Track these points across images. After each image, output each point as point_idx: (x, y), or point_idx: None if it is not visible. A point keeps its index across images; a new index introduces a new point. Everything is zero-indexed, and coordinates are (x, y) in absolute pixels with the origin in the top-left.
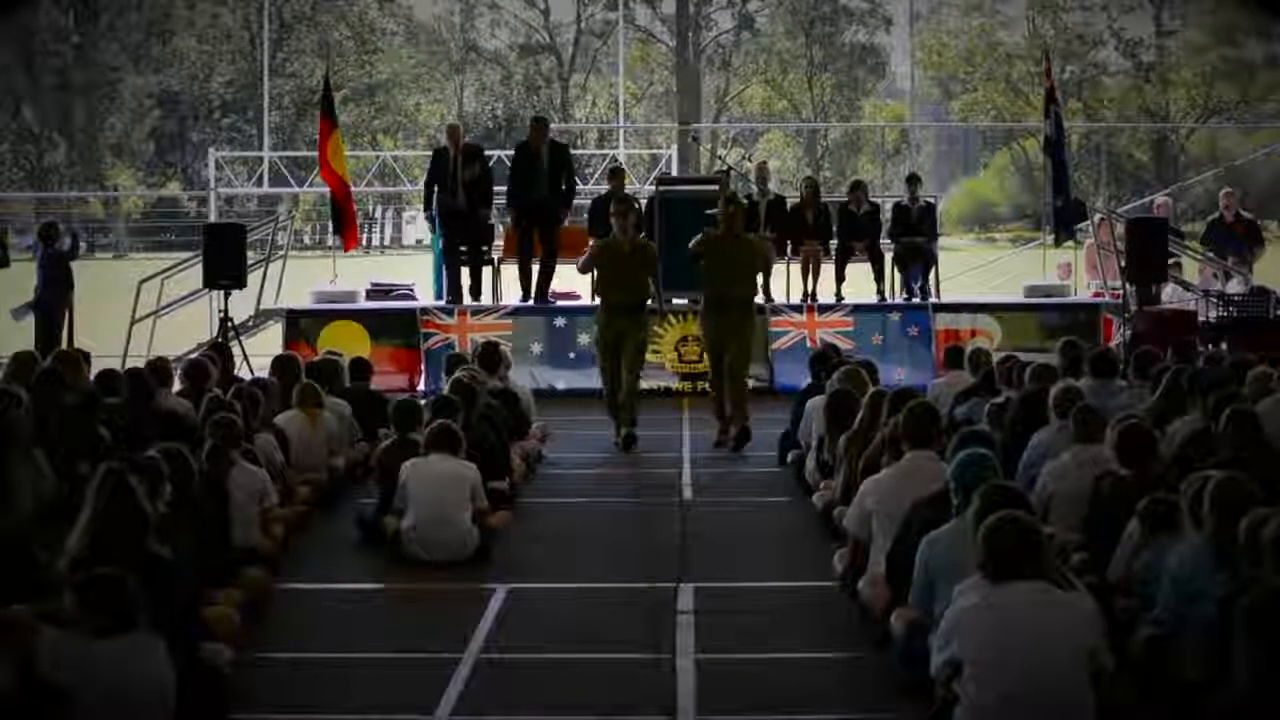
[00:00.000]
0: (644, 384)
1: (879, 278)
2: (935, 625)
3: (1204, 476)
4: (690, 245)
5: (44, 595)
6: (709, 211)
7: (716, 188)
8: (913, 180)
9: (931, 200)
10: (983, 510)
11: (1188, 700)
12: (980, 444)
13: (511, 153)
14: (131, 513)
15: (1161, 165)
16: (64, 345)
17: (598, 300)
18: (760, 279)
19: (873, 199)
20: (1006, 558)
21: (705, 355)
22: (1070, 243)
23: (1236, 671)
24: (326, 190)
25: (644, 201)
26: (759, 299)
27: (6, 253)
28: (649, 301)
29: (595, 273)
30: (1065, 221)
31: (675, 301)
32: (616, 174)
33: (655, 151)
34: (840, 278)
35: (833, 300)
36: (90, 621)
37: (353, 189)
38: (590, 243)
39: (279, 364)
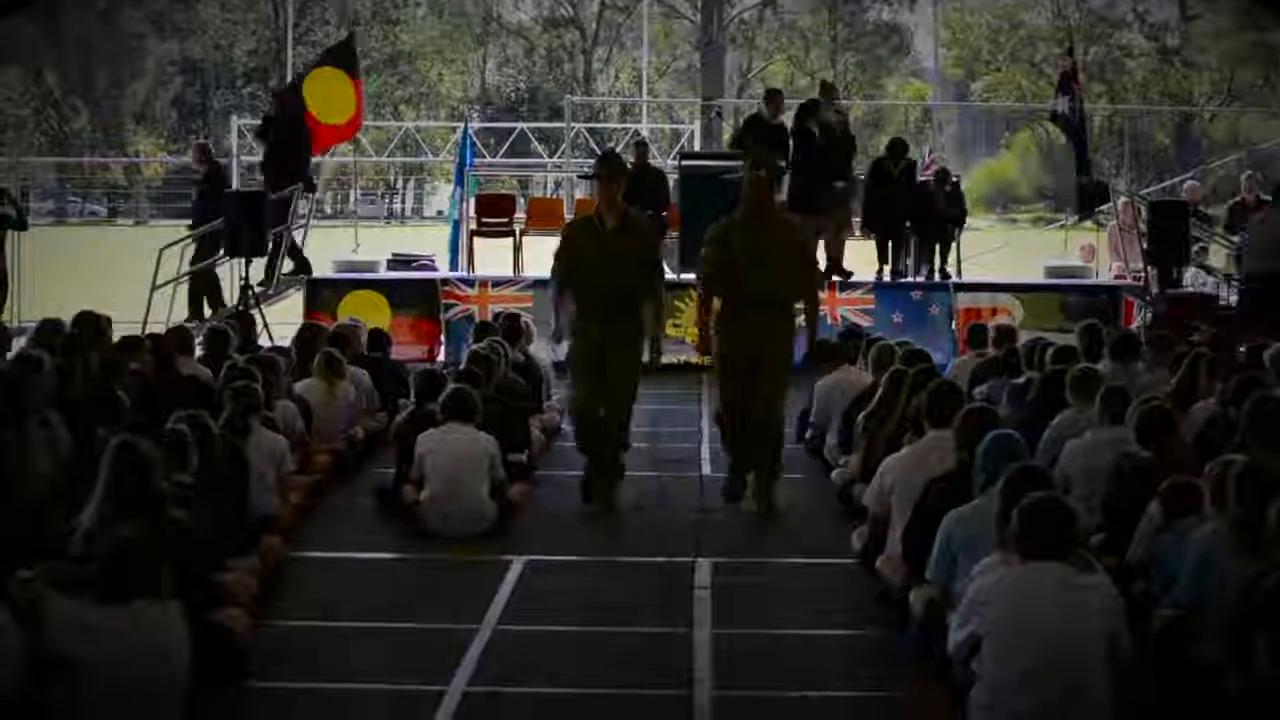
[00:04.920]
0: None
1: (896, 254)
2: (953, 603)
3: (1229, 459)
4: (703, 251)
5: (56, 559)
6: (725, 177)
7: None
8: (941, 176)
9: (956, 180)
10: (1008, 490)
11: (1205, 685)
12: (997, 423)
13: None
14: (143, 486)
15: (1184, 149)
16: None
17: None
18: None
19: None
20: (1041, 537)
21: (719, 382)
22: (1090, 224)
23: (1258, 658)
24: (349, 160)
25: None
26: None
27: (24, 216)
28: (645, 309)
29: (567, 264)
30: (1086, 201)
31: None
32: (640, 147)
33: (678, 126)
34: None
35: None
36: (111, 587)
37: (375, 158)
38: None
39: (303, 333)
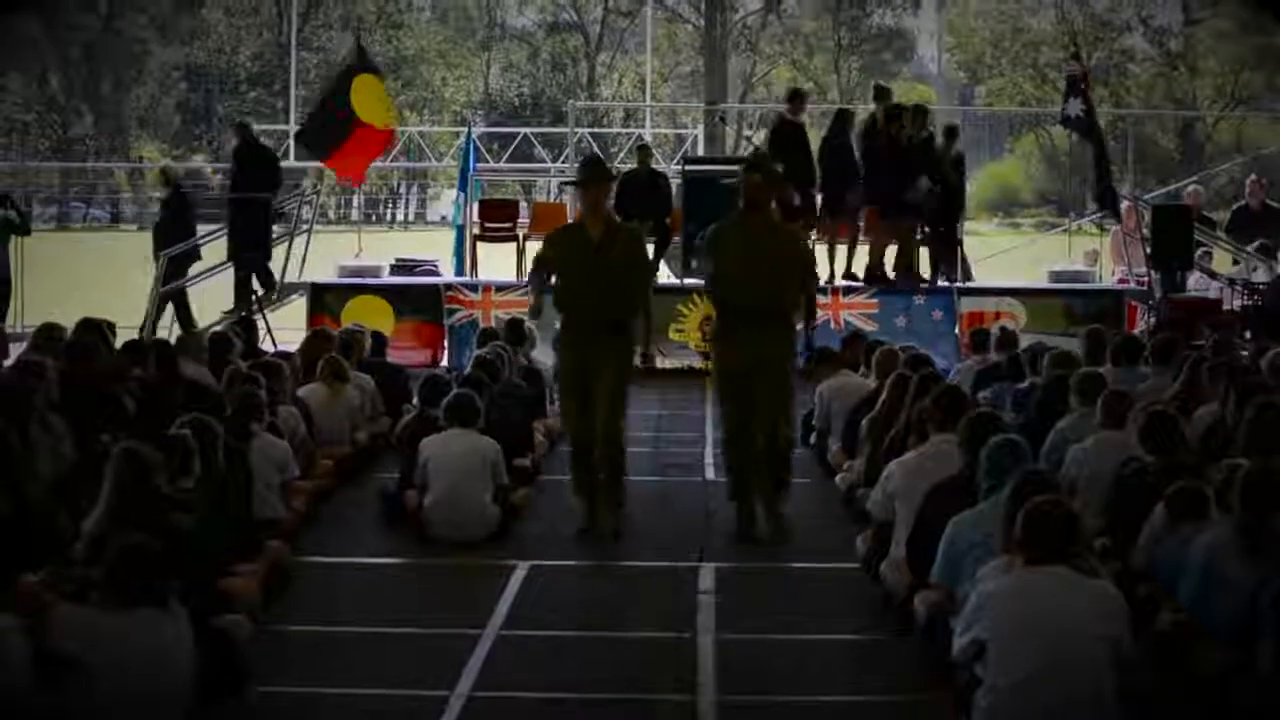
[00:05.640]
0: (666, 363)
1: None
2: (958, 608)
3: (1235, 464)
4: (701, 242)
5: (58, 565)
6: (725, 181)
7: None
8: (950, 133)
9: (961, 152)
10: (1015, 494)
11: (1208, 690)
12: (1000, 428)
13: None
14: (147, 492)
15: (1188, 153)
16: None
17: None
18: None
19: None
20: (1045, 541)
21: (721, 409)
22: (1094, 228)
23: (1261, 663)
24: None
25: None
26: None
27: (27, 221)
28: (633, 321)
29: (553, 275)
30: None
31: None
32: (643, 151)
33: (681, 131)
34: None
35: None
36: (117, 594)
37: (379, 163)
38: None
39: (311, 338)
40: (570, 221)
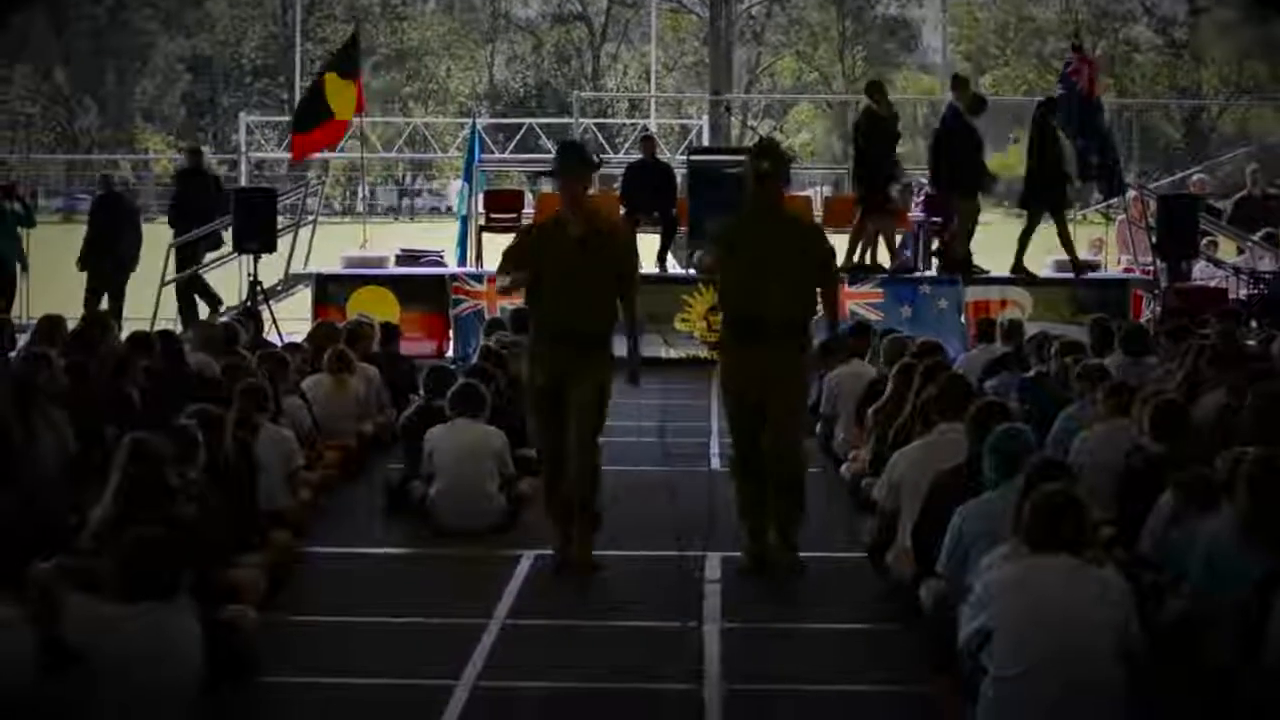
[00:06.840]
0: (671, 353)
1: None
2: (964, 597)
3: (1241, 452)
4: (699, 256)
5: (65, 555)
6: (730, 171)
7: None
8: (959, 82)
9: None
10: (1029, 483)
11: (1214, 679)
12: (1007, 417)
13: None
14: (155, 483)
15: (1193, 142)
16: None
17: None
18: (819, 287)
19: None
20: (1052, 527)
21: (729, 426)
22: (1099, 218)
23: (1266, 655)
24: (357, 156)
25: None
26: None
27: (32, 214)
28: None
29: (526, 275)
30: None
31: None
32: (648, 141)
33: (686, 122)
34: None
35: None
36: (125, 586)
37: (384, 154)
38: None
39: (318, 330)
40: (551, 217)
